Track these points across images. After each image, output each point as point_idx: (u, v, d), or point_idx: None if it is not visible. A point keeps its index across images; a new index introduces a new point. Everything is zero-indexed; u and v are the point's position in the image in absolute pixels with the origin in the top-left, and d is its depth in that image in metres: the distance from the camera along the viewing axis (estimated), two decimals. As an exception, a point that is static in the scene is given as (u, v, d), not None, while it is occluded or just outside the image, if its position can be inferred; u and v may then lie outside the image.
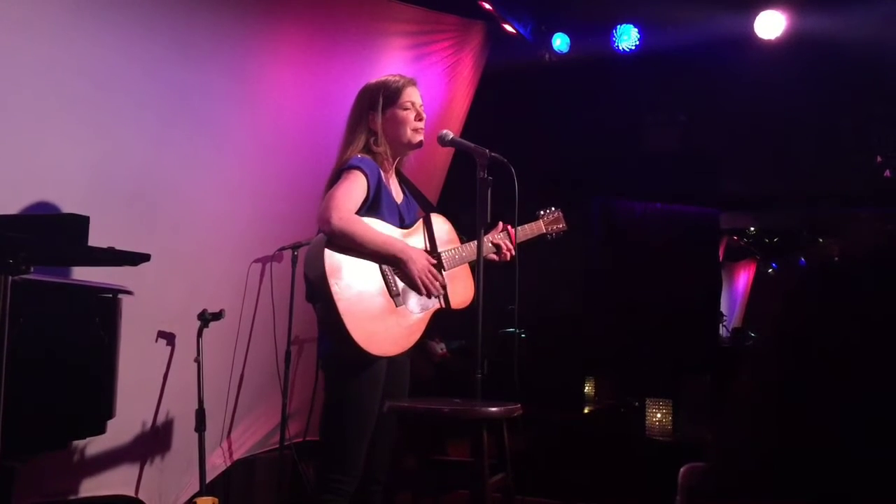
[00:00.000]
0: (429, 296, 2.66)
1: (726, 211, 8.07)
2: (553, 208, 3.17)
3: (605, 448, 4.92)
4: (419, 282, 2.61)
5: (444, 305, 2.73)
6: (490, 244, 2.87)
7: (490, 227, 2.87)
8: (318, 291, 2.49)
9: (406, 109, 2.73)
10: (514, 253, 2.90)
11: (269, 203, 4.03)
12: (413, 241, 2.71)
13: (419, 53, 4.72)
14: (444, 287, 2.71)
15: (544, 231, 3.12)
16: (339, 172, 2.61)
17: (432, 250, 2.77)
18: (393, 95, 2.73)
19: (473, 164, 2.62)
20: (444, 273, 2.73)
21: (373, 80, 2.80)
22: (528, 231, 3.05)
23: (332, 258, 2.48)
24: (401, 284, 2.63)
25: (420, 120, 2.76)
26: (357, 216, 2.54)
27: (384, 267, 2.59)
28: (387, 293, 2.58)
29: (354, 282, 2.51)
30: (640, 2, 5.28)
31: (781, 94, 5.60)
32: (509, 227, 2.90)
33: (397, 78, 2.78)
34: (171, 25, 3.41)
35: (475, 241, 2.65)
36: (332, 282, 2.46)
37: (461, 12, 4.96)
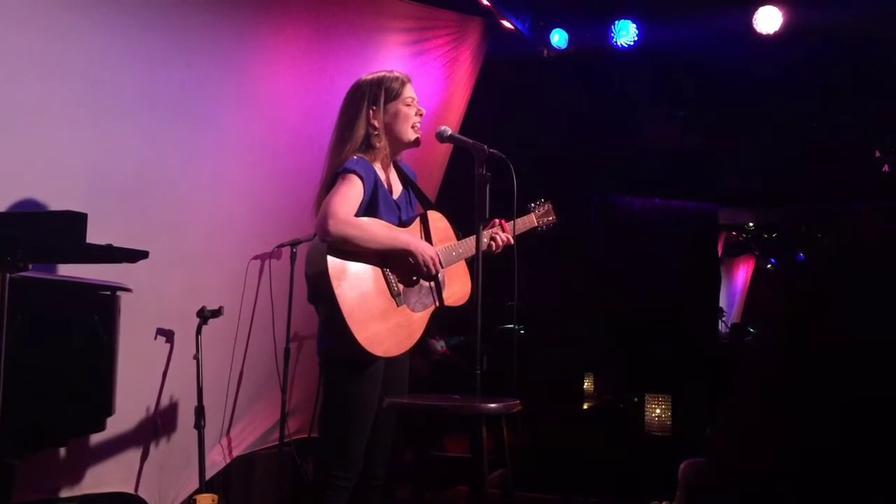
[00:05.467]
0: (428, 277, 2.65)
1: (725, 206, 8.07)
2: (542, 199, 3.16)
3: (605, 444, 4.93)
4: (424, 268, 2.59)
5: (438, 304, 2.72)
6: (486, 240, 2.85)
7: (485, 224, 2.86)
8: (322, 293, 2.49)
9: (408, 105, 2.72)
10: (511, 242, 2.86)
11: (268, 200, 4.03)
12: None
13: (417, 50, 4.72)
14: (439, 280, 2.70)
15: (536, 224, 3.10)
16: (335, 177, 2.58)
17: None
18: (395, 91, 2.71)
19: (472, 160, 2.61)
20: (441, 270, 2.72)
21: (365, 75, 2.77)
22: (520, 225, 3.02)
23: (334, 260, 2.48)
24: (401, 284, 2.62)
25: (420, 116, 2.75)
26: (355, 217, 2.52)
27: (385, 268, 2.59)
28: (387, 293, 2.58)
29: (357, 283, 2.51)
30: (637, -3, 5.29)
31: (780, 88, 5.60)
32: (503, 221, 2.88)
33: (396, 74, 2.76)
34: (168, 23, 3.40)
35: (472, 238, 2.64)
36: (335, 284, 2.45)
37: (459, 8, 4.95)
